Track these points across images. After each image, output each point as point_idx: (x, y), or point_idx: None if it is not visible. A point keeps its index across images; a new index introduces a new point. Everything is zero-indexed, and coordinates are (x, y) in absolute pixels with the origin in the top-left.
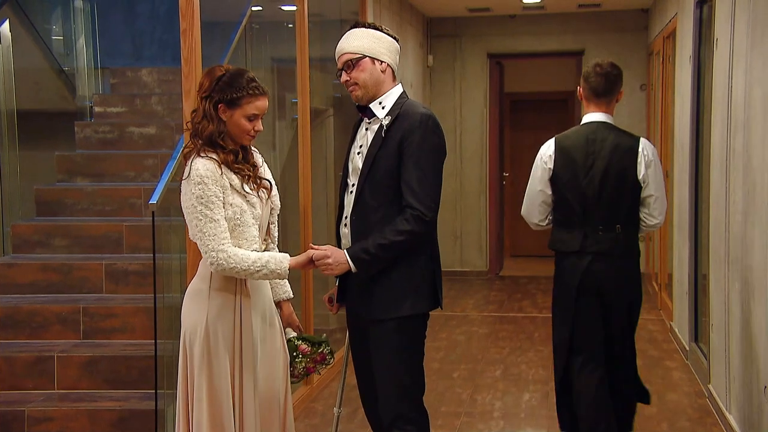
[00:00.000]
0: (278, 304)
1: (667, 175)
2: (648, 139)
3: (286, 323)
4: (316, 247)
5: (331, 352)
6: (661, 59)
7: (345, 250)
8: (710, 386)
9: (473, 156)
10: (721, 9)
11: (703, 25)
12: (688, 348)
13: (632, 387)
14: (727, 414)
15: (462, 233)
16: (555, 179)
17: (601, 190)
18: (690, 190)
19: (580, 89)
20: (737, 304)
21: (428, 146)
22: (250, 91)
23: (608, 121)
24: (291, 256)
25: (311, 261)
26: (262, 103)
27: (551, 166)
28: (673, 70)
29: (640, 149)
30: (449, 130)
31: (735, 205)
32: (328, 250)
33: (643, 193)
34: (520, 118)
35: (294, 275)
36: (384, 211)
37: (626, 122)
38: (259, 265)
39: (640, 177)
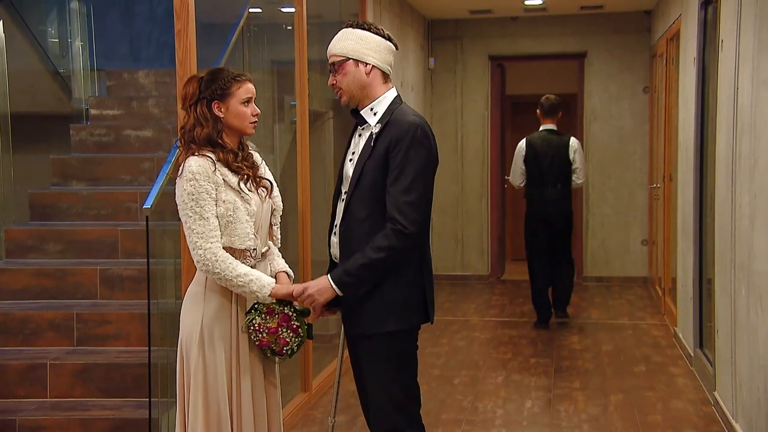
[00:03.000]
0: (275, 276)
1: (671, 179)
2: (651, 142)
3: None
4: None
5: (308, 328)
6: (665, 61)
7: (328, 275)
8: (716, 393)
9: (474, 159)
10: (726, 10)
11: (707, 27)
12: (692, 354)
13: (569, 271)
14: (733, 422)
15: (463, 237)
16: (527, 159)
17: (551, 165)
18: (694, 193)
19: (539, 111)
20: (744, 309)
21: (414, 157)
22: (236, 78)
23: (554, 128)
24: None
25: (291, 295)
26: (250, 86)
27: (524, 153)
28: (676, 72)
29: (570, 143)
30: (450, 132)
31: (741, 209)
32: (308, 283)
33: (573, 166)
34: (522, 120)
35: (293, 269)
36: (371, 223)
37: (629, 125)
38: (242, 281)
39: (570, 158)
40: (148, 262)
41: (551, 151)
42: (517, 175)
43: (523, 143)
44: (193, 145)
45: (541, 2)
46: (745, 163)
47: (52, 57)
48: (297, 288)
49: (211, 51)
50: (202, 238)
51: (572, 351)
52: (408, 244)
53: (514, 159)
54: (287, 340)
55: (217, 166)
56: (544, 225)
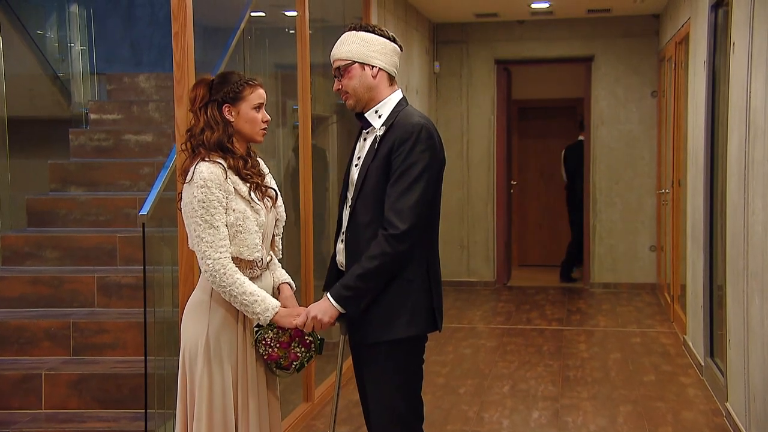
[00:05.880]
0: (278, 288)
1: (680, 184)
2: (659, 147)
3: (284, 306)
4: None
5: (320, 343)
6: (673, 65)
7: (327, 293)
8: (728, 404)
9: (480, 164)
10: (738, 12)
11: (718, 30)
12: (703, 363)
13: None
14: None
15: (469, 242)
16: (565, 161)
17: (579, 166)
18: (705, 199)
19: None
20: (757, 319)
21: (416, 158)
22: (248, 82)
23: (582, 139)
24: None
25: (296, 328)
26: (262, 91)
27: (564, 157)
28: (685, 76)
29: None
30: (456, 137)
31: (754, 215)
32: (310, 307)
33: None
34: (528, 125)
35: (295, 276)
36: (375, 228)
37: (637, 129)
38: (246, 300)
39: None
40: (144, 269)
41: (581, 155)
42: (563, 172)
43: (564, 151)
44: (201, 149)
45: (547, 6)
46: (758, 169)
47: (51, 61)
48: (300, 319)
49: (213, 54)
50: (211, 247)
51: (580, 359)
52: (402, 247)
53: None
54: (298, 355)
55: (228, 173)
56: (578, 206)
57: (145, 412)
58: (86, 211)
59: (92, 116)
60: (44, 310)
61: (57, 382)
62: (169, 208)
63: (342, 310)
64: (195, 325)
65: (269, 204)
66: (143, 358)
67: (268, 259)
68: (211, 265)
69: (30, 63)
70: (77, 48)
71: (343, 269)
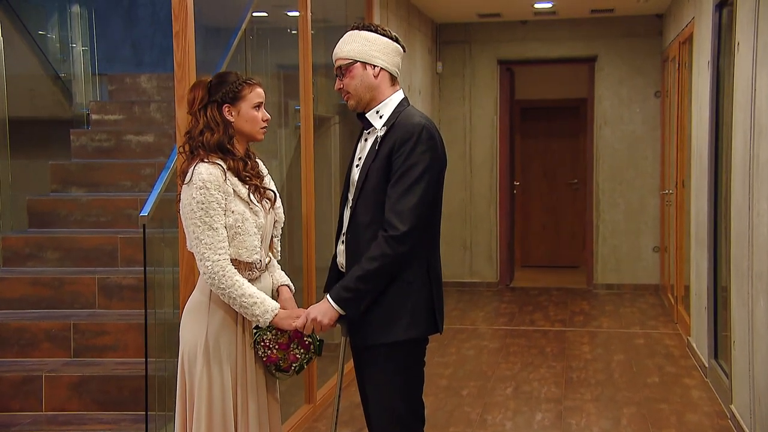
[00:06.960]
0: (278, 290)
1: (683, 185)
2: (662, 148)
3: (283, 308)
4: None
5: (320, 344)
6: (677, 65)
7: (327, 295)
8: (732, 407)
9: (483, 164)
10: (742, 12)
11: (722, 30)
12: (707, 365)
13: None
14: None
15: (471, 243)
16: None
17: None
18: (709, 200)
19: None
20: (762, 320)
21: (417, 159)
22: (247, 81)
23: None
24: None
25: (296, 330)
26: (260, 90)
27: None
28: (689, 77)
29: None
30: (458, 137)
31: (759, 216)
32: (310, 309)
33: None
34: (531, 125)
35: (296, 275)
36: (375, 229)
37: (640, 130)
38: (246, 302)
39: None
40: (145, 270)
41: None
42: None
43: None
44: (201, 150)
45: (550, 6)
46: (763, 169)
47: (52, 61)
48: (300, 321)
49: (215, 55)
50: (210, 249)
51: (583, 361)
52: (402, 248)
53: None
54: (297, 356)
55: (227, 174)
56: None
57: (146, 414)
58: (87, 212)
59: (93, 117)
60: (45, 311)
61: (57, 384)
62: (170, 209)
63: (342, 312)
64: (194, 327)
65: (268, 206)
66: (144, 359)
67: (267, 260)
68: (209, 267)
69: (31, 63)
70: (78, 48)
71: (344, 270)
